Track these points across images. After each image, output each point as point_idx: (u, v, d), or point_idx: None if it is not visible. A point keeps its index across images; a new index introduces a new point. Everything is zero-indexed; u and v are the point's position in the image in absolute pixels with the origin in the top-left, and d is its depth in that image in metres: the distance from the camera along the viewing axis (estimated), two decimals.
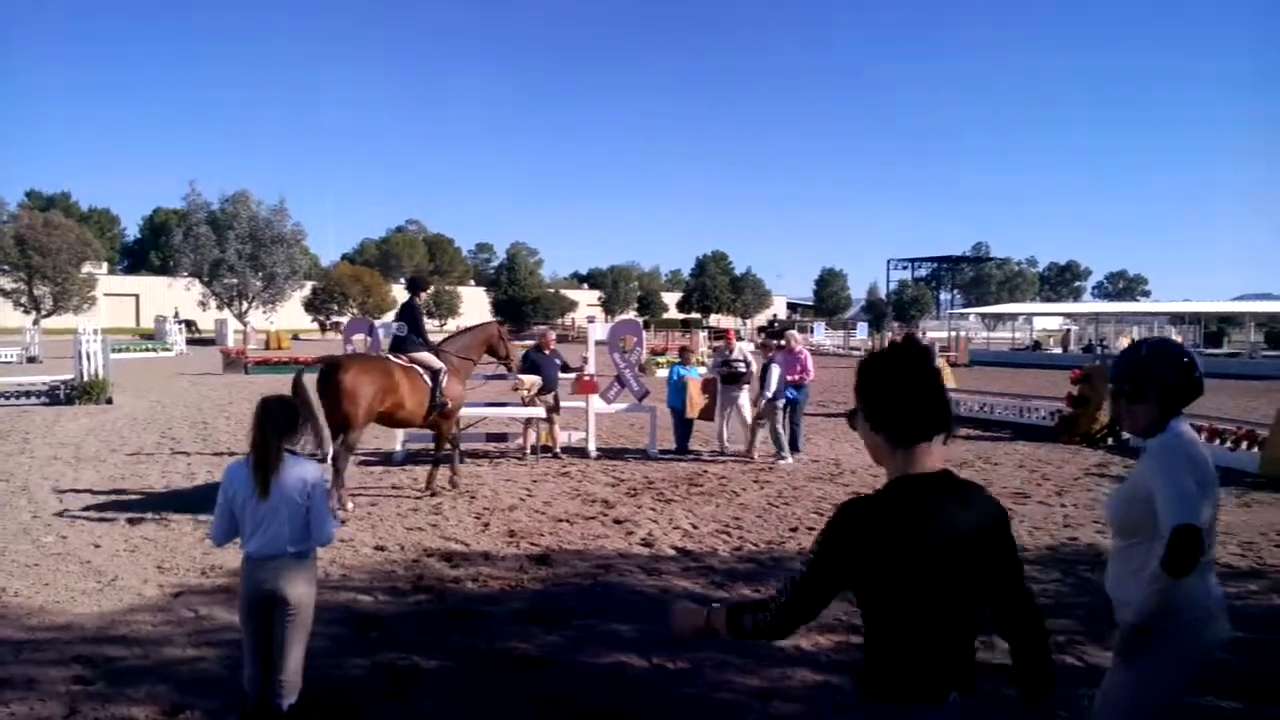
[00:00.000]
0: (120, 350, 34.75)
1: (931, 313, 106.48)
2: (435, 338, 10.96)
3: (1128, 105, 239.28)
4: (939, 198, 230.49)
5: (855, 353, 50.10)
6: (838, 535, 2.15)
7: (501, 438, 13.33)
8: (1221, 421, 13.06)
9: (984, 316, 74.94)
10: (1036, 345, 53.09)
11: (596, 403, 13.19)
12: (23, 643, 5.52)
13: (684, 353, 15.23)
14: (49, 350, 36.40)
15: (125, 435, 14.79)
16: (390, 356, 10.10)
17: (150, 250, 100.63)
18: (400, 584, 6.80)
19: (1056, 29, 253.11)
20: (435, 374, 9.98)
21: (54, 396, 19.41)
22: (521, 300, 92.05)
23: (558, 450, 12.92)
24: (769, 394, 12.31)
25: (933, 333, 63.12)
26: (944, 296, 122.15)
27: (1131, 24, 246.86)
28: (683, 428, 13.40)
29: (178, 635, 5.66)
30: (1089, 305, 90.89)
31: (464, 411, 11.26)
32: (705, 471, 11.80)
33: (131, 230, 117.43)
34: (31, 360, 34.62)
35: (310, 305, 74.01)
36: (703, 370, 14.50)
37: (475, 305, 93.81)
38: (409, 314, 10.31)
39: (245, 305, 58.48)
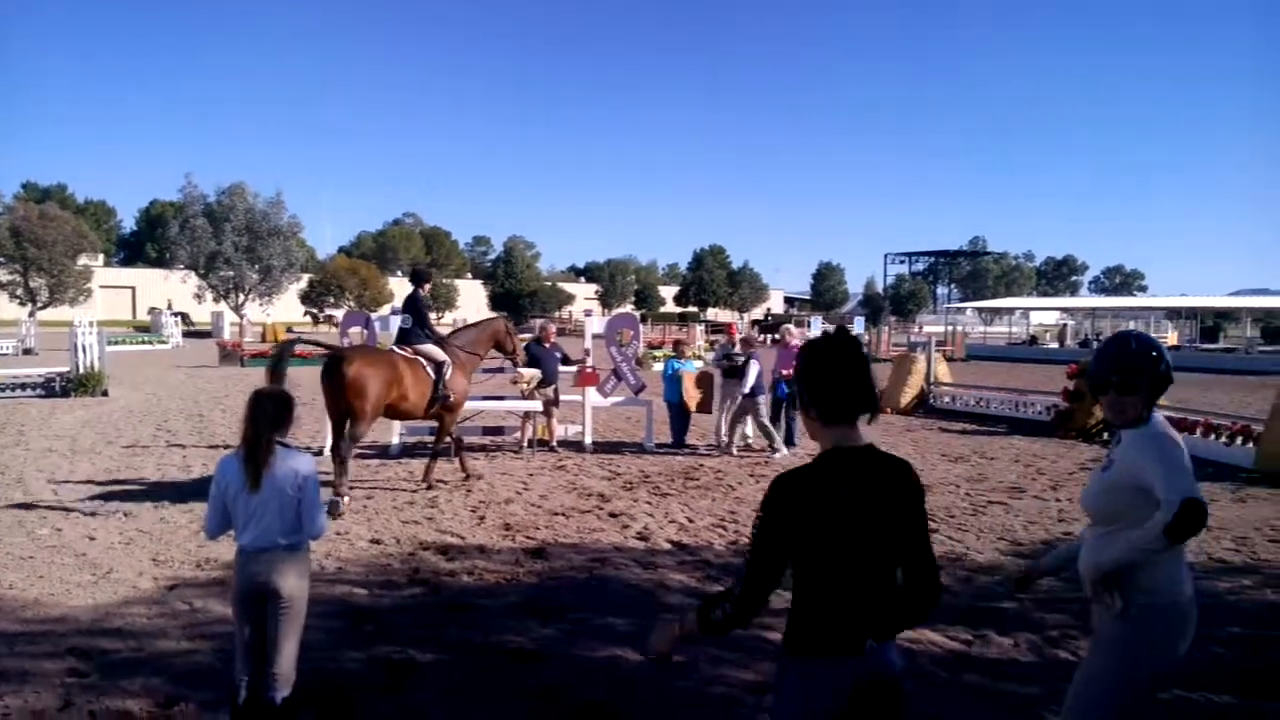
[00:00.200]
0: (116, 343, 34.70)
1: (928, 307, 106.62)
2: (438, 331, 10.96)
3: (1125, 101, 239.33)
4: (936, 192, 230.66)
5: None
6: (774, 506, 2.35)
7: (498, 431, 13.33)
8: (1217, 417, 13.09)
9: (981, 311, 75.02)
10: (1033, 340, 53.17)
11: (593, 396, 13.18)
12: (17, 635, 5.51)
13: (678, 346, 15.23)
14: (45, 342, 36.31)
15: (121, 428, 14.77)
16: (395, 348, 10.11)
17: (146, 242, 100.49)
18: (395, 577, 6.80)
19: (1054, 25, 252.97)
20: (439, 366, 9.99)
21: (49, 389, 19.36)
22: (518, 293, 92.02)
23: (554, 444, 12.92)
24: (745, 389, 12.34)
25: (929, 327, 63.22)
26: (941, 291, 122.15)
27: (1129, 20, 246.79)
28: (679, 421, 13.40)
29: (172, 628, 5.66)
30: (1086, 300, 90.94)
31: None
32: (701, 465, 11.81)
33: (128, 222, 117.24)
34: (27, 352, 34.53)
35: (307, 298, 73.89)
36: (698, 364, 14.50)
37: (472, 298, 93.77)
38: (413, 306, 10.31)
39: (241, 298, 58.29)
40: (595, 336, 13.90)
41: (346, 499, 9.04)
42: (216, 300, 58.79)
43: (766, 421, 12.53)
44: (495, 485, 10.29)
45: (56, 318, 52.73)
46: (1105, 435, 14.12)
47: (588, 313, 17.48)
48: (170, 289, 63.22)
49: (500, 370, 12.92)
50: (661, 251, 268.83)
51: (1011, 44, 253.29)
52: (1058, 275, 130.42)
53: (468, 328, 11.26)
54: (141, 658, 5.18)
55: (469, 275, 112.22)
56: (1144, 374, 3.01)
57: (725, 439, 12.85)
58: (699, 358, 21.61)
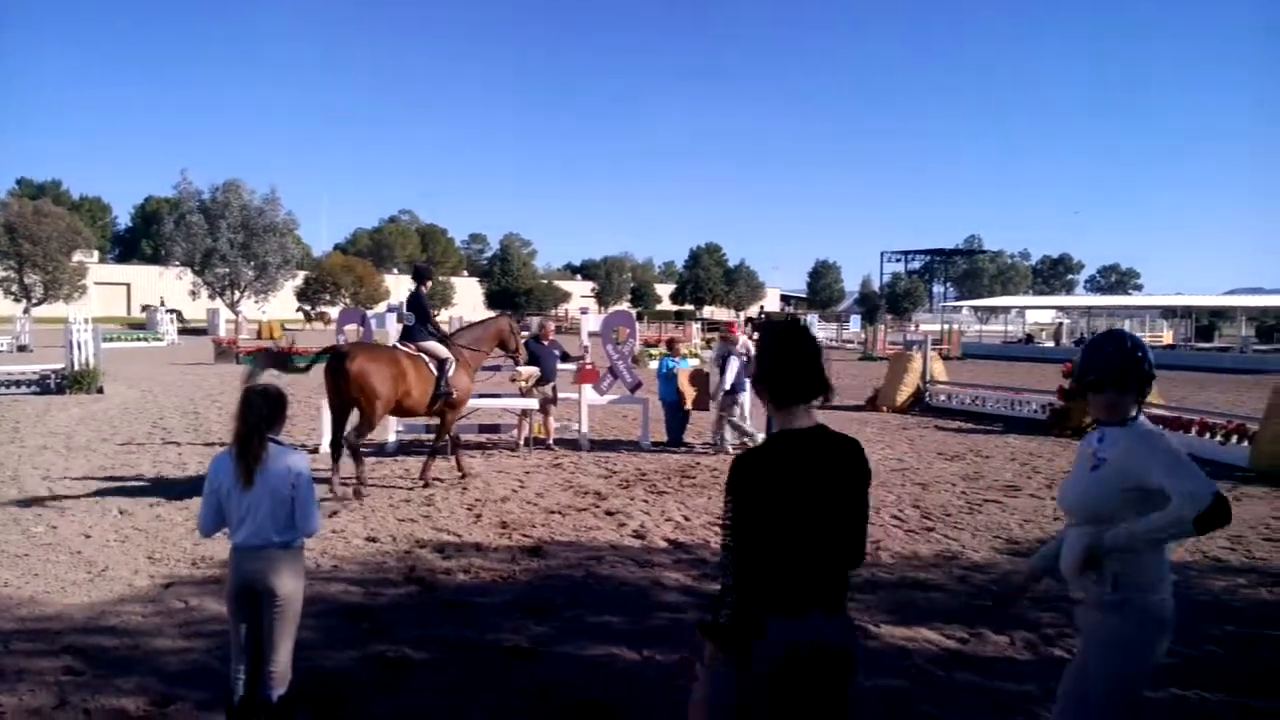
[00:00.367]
0: (111, 340, 34.64)
1: (925, 305, 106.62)
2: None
3: (1121, 99, 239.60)
4: (933, 191, 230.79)
5: (849, 345, 50.17)
6: (735, 486, 2.52)
7: (494, 429, 13.32)
8: (1212, 416, 13.11)
9: (977, 309, 75.00)
10: (1029, 338, 53.18)
11: (589, 394, 13.18)
12: (12, 633, 5.50)
13: (672, 344, 15.22)
14: (39, 339, 36.26)
15: (116, 425, 14.74)
16: (398, 345, 10.18)
17: (142, 239, 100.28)
18: (391, 575, 6.79)
19: (1050, 22, 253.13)
20: (442, 363, 10.04)
21: (44, 386, 19.32)
22: (515, 291, 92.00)
23: (550, 442, 12.92)
24: (726, 386, 12.36)
25: (926, 325, 63.22)
26: (937, 289, 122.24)
27: (1126, 18, 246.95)
28: (674, 420, 13.40)
29: (168, 626, 5.65)
30: (1081, 299, 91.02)
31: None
32: (698, 463, 11.81)
33: (123, 219, 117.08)
34: (22, 349, 34.49)
35: (302, 295, 73.79)
36: (694, 362, 14.50)
37: (468, 296, 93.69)
38: (416, 303, 10.37)
39: (237, 295, 58.25)
40: (591, 334, 13.90)
41: (340, 493, 9.15)
42: (212, 297, 58.74)
43: (738, 420, 12.55)
44: (492, 483, 10.29)
45: (51, 314, 52.60)
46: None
47: (584, 310, 17.46)
48: (165, 286, 63.07)
49: (497, 368, 12.92)
50: (658, 249, 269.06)
51: (1008, 44, 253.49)
52: (1053, 274, 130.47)
53: (472, 325, 11.30)
54: (137, 656, 5.17)
55: (465, 273, 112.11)
56: (1139, 374, 3.04)
57: (718, 437, 12.86)
58: (695, 355, 21.61)
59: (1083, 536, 2.99)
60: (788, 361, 2.66)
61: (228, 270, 57.43)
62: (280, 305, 66.36)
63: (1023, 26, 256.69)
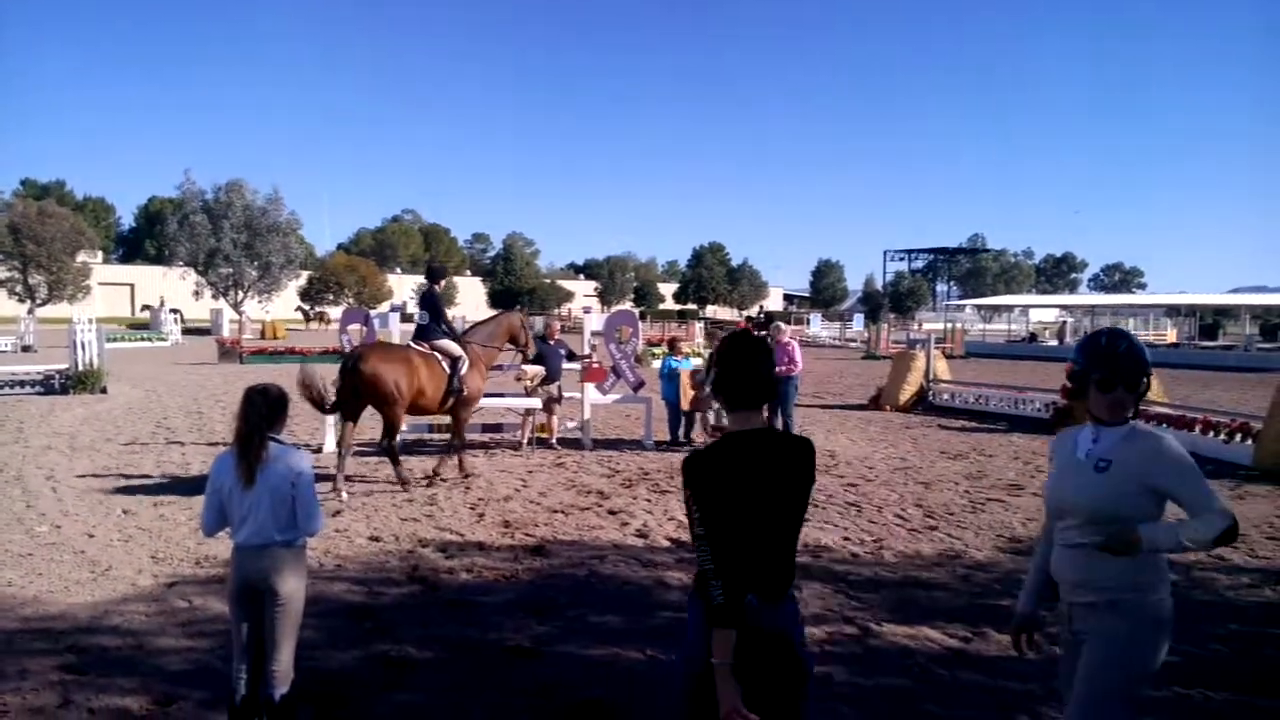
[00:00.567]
0: (115, 340, 34.69)
1: (928, 304, 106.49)
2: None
3: (1124, 98, 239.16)
4: (936, 189, 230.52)
5: (852, 344, 50.15)
6: (690, 481, 2.69)
7: (497, 428, 13.32)
8: (1216, 414, 13.09)
9: (980, 308, 74.92)
10: (1032, 337, 53.12)
11: (592, 393, 13.19)
12: (16, 632, 5.51)
13: (674, 344, 15.20)
14: (44, 339, 36.33)
15: (120, 425, 14.77)
16: (411, 344, 10.28)
17: (145, 239, 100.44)
18: (394, 574, 6.80)
19: (1051, 22, 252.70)
20: (455, 362, 10.14)
21: (49, 386, 19.37)
22: (518, 291, 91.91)
23: (553, 441, 12.92)
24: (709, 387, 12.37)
25: (929, 324, 63.17)
26: (940, 288, 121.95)
27: (1127, 18, 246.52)
28: (677, 419, 13.40)
29: (171, 625, 5.66)
30: (1085, 297, 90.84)
31: None
32: None
33: (126, 219, 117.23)
34: (26, 349, 34.54)
35: (306, 295, 73.83)
36: (697, 361, 14.49)
37: (471, 296, 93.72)
38: (430, 302, 10.51)
39: (240, 295, 58.29)
40: (594, 333, 13.90)
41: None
42: (215, 297, 58.79)
43: (710, 415, 12.60)
44: (494, 482, 10.29)
45: (55, 315, 52.71)
46: None
47: (586, 310, 17.44)
48: (169, 286, 63.11)
49: (500, 368, 12.92)
50: (661, 248, 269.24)
51: (1010, 44, 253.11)
52: (1057, 272, 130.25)
53: (484, 323, 11.40)
54: (140, 655, 5.18)
55: (468, 272, 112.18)
56: (1145, 373, 3.03)
57: (699, 430, 12.90)
58: (698, 355, 21.59)
59: (1089, 537, 2.92)
60: (741, 370, 2.84)
61: (231, 270, 57.46)
62: (283, 305, 66.40)
63: (1024, 26, 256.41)
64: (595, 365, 13.18)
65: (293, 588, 3.92)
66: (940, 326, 52.19)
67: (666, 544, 7.78)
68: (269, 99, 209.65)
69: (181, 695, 4.63)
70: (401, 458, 11.66)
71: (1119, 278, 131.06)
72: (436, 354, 10.13)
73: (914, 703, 4.71)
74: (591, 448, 12.74)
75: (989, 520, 8.78)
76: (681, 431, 13.33)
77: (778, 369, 12.92)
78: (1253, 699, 4.76)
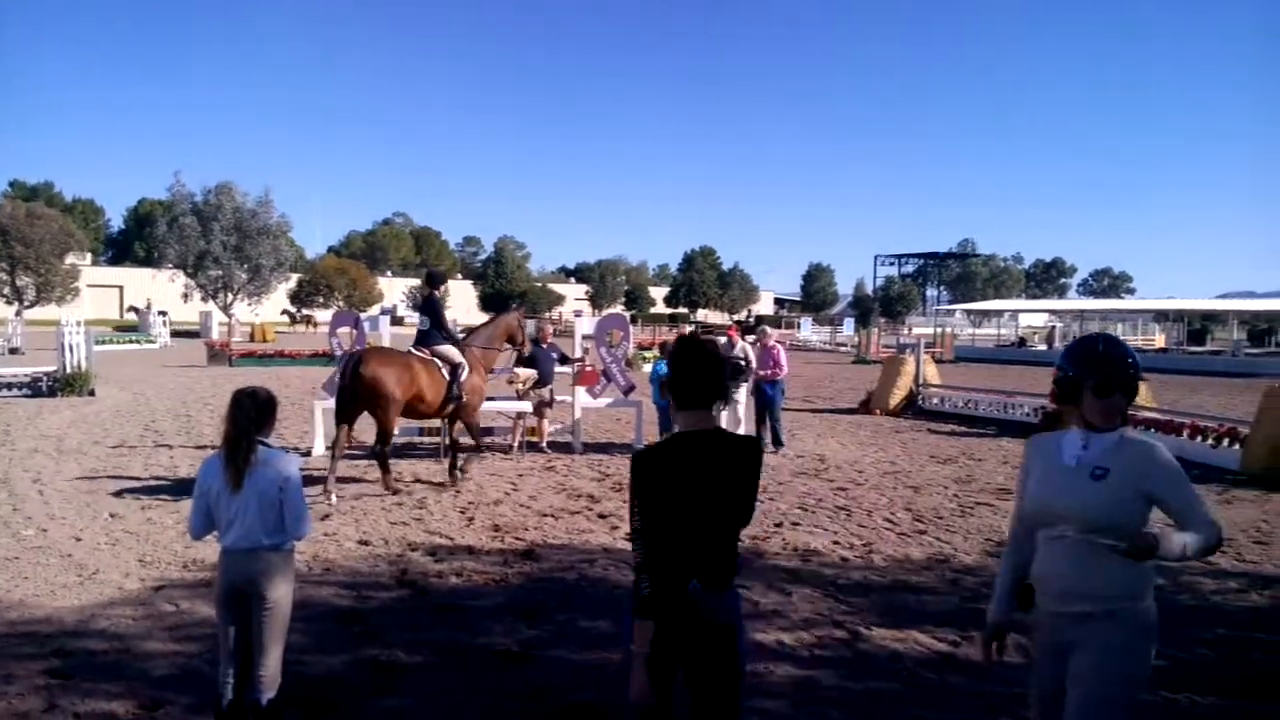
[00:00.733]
0: (103, 342, 34.52)
1: (918, 308, 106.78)
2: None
3: (1115, 103, 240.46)
4: (926, 195, 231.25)
5: (842, 348, 50.24)
6: (636, 476, 2.91)
7: (488, 432, 13.29)
8: (1203, 419, 13.16)
9: (970, 313, 75.10)
10: (1022, 342, 53.31)
11: (583, 397, 13.18)
12: (1, 636, 5.47)
13: (665, 348, 15.18)
14: (31, 342, 36.11)
15: (108, 427, 14.69)
16: (412, 349, 10.31)
17: (134, 241, 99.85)
18: (383, 578, 6.78)
19: (1043, 26, 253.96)
20: (455, 367, 10.19)
21: (36, 388, 19.24)
22: (509, 294, 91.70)
23: (544, 445, 12.91)
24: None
25: (919, 329, 63.30)
26: (930, 293, 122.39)
27: (1121, 20, 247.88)
28: (667, 423, 13.39)
29: (158, 629, 5.63)
30: (1074, 302, 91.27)
31: None
32: None
33: (116, 221, 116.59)
34: (13, 352, 34.32)
35: (296, 298, 73.59)
36: None
37: (462, 299, 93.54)
38: (430, 308, 10.58)
39: (230, 297, 58.05)
40: (585, 337, 13.90)
41: (335, 499, 9.20)
42: (205, 300, 58.54)
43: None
44: (484, 486, 10.28)
45: (43, 317, 52.41)
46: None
47: (578, 313, 17.43)
48: (158, 288, 62.79)
49: (490, 371, 12.91)
50: (652, 252, 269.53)
51: (1002, 47, 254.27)
52: (1046, 277, 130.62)
53: (483, 326, 11.49)
54: (126, 660, 5.15)
55: (459, 275, 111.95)
56: (1139, 376, 3.03)
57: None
58: None
59: (1086, 543, 2.89)
60: (689, 372, 3.02)
61: (221, 273, 57.21)
62: (273, 308, 66.13)
63: (1016, 30, 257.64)
64: (588, 369, 13.18)
65: (280, 591, 3.90)
66: (930, 331, 52.31)
67: None
68: (260, 101, 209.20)
69: (168, 700, 4.61)
70: (390, 462, 11.65)
71: (1108, 283, 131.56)
72: (436, 360, 10.17)
73: (902, 706, 4.72)
74: (582, 451, 12.74)
75: (978, 524, 8.80)
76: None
77: (763, 372, 13.03)
78: (1240, 703, 4.78)
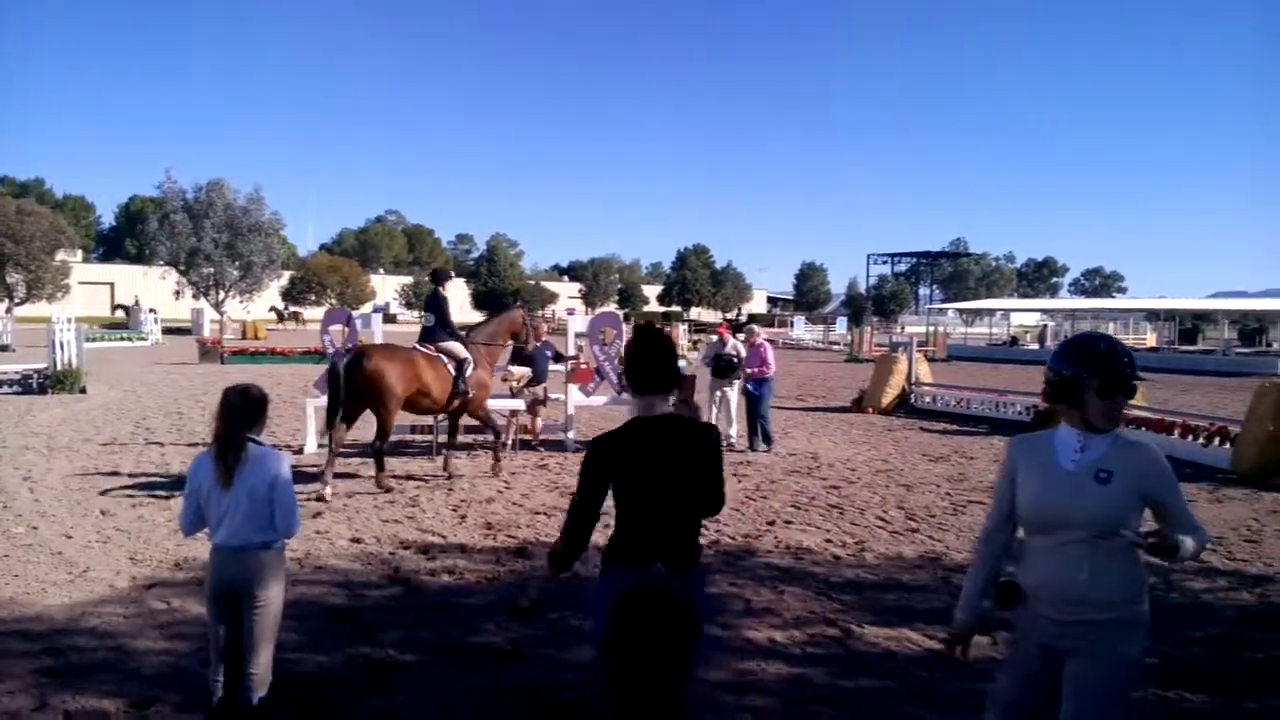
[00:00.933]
0: (94, 340, 34.38)
1: (910, 307, 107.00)
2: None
3: (1107, 104, 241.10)
4: (919, 194, 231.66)
5: (835, 347, 50.29)
6: (591, 457, 3.14)
7: (479, 429, 13.26)
8: (1194, 418, 13.20)
9: (962, 312, 75.32)
10: (1014, 341, 53.43)
11: (576, 395, 13.17)
12: None
13: None
14: (21, 339, 35.95)
15: (99, 425, 14.64)
16: (418, 346, 10.34)
17: (126, 238, 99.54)
18: (375, 576, 6.76)
19: (1036, 27, 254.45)
20: (460, 363, 10.26)
21: (26, 386, 19.17)
22: (501, 292, 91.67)
23: (536, 443, 12.90)
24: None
25: (911, 327, 63.44)
26: (923, 291, 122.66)
27: (1112, 24, 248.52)
28: None
29: (149, 628, 5.61)
30: (1066, 301, 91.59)
31: None
32: None
33: (107, 218, 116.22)
34: (3, 349, 34.19)
35: (288, 295, 73.41)
36: (682, 363, 14.48)
37: (455, 297, 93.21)
38: (435, 305, 10.62)
39: (222, 295, 57.86)
40: (578, 335, 13.89)
41: (329, 493, 9.24)
42: (196, 297, 58.35)
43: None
44: (477, 484, 10.27)
45: (34, 314, 52.17)
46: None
47: (570, 311, 17.42)
48: (149, 286, 62.58)
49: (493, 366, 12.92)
50: (645, 251, 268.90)
51: (995, 49, 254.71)
52: (1038, 277, 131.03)
53: (486, 322, 11.59)
54: (117, 658, 5.13)
55: (452, 273, 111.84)
56: (1138, 376, 2.99)
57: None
58: (682, 357, 21.61)
59: (1093, 549, 2.85)
60: (643, 360, 3.21)
61: (212, 270, 57.03)
62: (265, 306, 65.97)
63: (1010, 30, 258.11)
64: (583, 366, 13.17)
65: (271, 590, 3.89)
66: (922, 330, 52.43)
67: None
68: (252, 99, 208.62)
69: (159, 698, 4.59)
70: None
71: (1099, 282, 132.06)
72: (442, 356, 10.21)
73: (894, 704, 4.73)
74: (575, 449, 12.73)
75: (970, 522, 8.82)
76: None
77: (751, 370, 13.04)
78: (1230, 701, 4.80)
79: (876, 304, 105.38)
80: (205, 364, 29.38)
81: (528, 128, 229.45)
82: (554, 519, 8.65)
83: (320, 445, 12.32)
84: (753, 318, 69.37)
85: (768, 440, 12.98)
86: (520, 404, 12.56)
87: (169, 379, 23.84)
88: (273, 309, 65.87)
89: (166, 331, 46.92)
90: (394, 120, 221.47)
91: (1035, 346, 47.95)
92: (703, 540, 8.14)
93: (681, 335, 41.63)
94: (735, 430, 13.36)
